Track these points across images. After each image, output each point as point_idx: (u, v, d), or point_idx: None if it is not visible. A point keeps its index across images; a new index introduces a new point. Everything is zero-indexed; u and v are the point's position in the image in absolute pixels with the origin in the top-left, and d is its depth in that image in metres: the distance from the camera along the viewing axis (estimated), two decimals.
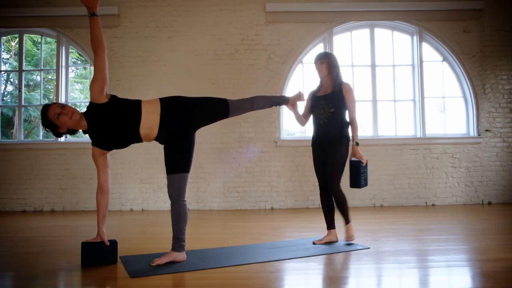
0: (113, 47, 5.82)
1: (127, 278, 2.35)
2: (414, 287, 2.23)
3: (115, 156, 5.44)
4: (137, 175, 5.76)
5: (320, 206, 3.39)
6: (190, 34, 5.88)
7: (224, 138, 5.79)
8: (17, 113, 7.86)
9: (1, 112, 8.53)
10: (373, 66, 6.06)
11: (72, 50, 6.87)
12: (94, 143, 2.59)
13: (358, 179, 3.13)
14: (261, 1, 5.89)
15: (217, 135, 5.75)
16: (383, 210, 5.41)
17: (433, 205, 5.78)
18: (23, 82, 6.41)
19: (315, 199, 5.64)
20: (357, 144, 3.17)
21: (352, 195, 5.13)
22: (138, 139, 2.60)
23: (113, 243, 2.68)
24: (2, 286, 2.29)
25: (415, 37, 6.05)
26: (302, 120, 3.39)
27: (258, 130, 5.81)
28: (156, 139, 2.66)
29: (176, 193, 2.64)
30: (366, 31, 6.12)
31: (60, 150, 5.80)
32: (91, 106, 2.53)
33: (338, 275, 2.48)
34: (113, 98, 2.57)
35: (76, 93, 11.63)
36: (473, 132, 5.95)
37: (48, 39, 9.44)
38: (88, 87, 2.90)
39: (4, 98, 9.92)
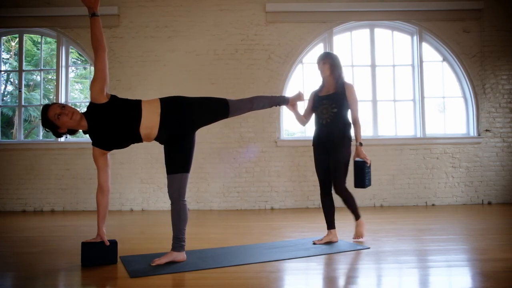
0: (113, 47, 5.82)
1: (127, 278, 2.35)
2: (414, 287, 2.23)
3: (115, 156, 5.44)
4: (137, 175, 5.77)
5: (320, 206, 3.39)
6: (190, 34, 5.89)
7: (224, 138, 5.79)
8: (17, 113, 7.86)
9: (1, 112, 8.53)
10: (373, 66, 6.06)
11: (72, 50, 6.87)
12: (94, 143, 2.59)
13: (363, 179, 3.17)
14: (261, 1, 5.89)
15: (217, 135, 5.75)
16: (383, 210, 5.41)
17: (433, 205, 5.78)
18: (23, 82, 6.42)
19: (315, 199, 5.64)
20: (360, 144, 3.18)
21: None
22: (138, 139, 2.61)
23: (113, 243, 2.67)
24: (2, 286, 2.28)
25: (415, 37, 6.05)
26: (302, 120, 3.39)
27: (258, 130, 5.81)
28: (156, 139, 2.66)
29: (176, 193, 2.64)
30: (366, 31, 6.13)
31: (60, 150, 5.80)
32: (91, 106, 2.54)
33: (338, 275, 2.48)
34: (113, 98, 2.57)
35: (76, 93, 11.63)
36: (473, 132, 5.95)
37: (48, 39, 9.45)
38: (88, 87, 2.90)
39: (4, 98, 9.92)
